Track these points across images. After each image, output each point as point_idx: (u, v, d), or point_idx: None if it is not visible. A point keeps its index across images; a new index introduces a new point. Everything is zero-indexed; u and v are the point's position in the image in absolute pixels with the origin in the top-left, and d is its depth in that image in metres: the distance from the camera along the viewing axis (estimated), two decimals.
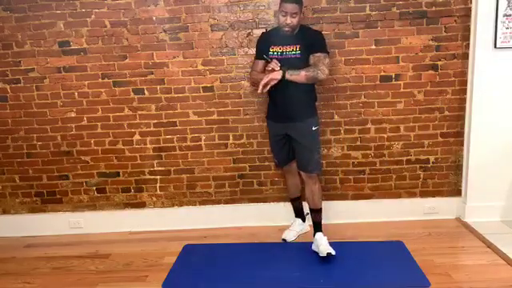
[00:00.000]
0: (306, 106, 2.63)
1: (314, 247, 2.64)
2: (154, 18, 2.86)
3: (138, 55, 2.91)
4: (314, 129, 2.60)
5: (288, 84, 2.43)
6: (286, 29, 2.45)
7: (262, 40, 2.65)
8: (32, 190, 3.15)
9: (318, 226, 2.69)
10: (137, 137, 3.05)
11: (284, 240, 2.85)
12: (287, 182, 2.95)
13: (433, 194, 3.09)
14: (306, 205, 2.79)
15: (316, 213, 2.70)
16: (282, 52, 2.53)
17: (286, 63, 2.47)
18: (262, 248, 2.77)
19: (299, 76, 2.41)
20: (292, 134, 2.63)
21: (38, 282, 2.53)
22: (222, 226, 3.10)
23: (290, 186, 2.93)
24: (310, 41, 2.49)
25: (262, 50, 2.60)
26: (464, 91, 2.90)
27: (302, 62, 2.46)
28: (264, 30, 2.76)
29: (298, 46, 2.49)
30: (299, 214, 2.99)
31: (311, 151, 2.61)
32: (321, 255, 2.53)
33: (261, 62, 2.64)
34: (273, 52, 2.54)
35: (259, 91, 2.39)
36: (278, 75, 2.39)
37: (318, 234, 2.65)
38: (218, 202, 3.16)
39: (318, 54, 2.46)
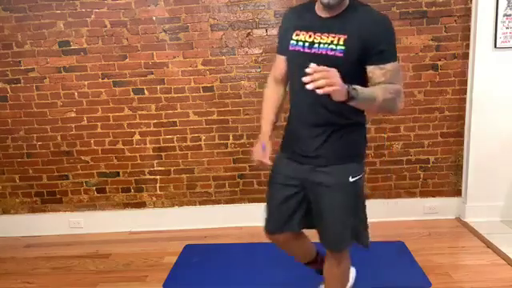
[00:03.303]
0: (348, 136, 1.61)
1: None
2: (154, 18, 2.86)
3: (137, 55, 2.91)
4: (351, 180, 1.61)
5: (326, 101, 1.37)
6: None
7: (286, 20, 1.65)
8: (32, 189, 3.15)
9: None
10: (137, 137, 3.04)
11: None
12: (288, 252, 1.95)
13: (433, 194, 3.09)
14: None
15: None
16: (313, 43, 1.51)
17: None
18: (262, 248, 2.77)
19: (373, 103, 1.40)
20: (310, 189, 1.65)
21: (38, 282, 2.53)
22: (221, 226, 3.10)
23: (295, 253, 1.98)
24: (372, 35, 1.45)
25: (282, 37, 1.65)
26: (464, 91, 2.90)
27: (344, 70, 1.34)
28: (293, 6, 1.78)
29: (342, 38, 1.45)
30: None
31: (345, 218, 1.65)
32: None
33: (282, 60, 1.66)
34: (296, 41, 1.55)
35: (310, 84, 1.25)
36: (339, 85, 1.27)
37: None
38: (218, 202, 3.15)
39: (391, 66, 1.46)
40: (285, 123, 1.78)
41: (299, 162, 1.66)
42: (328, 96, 1.29)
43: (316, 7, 1.56)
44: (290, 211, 1.72)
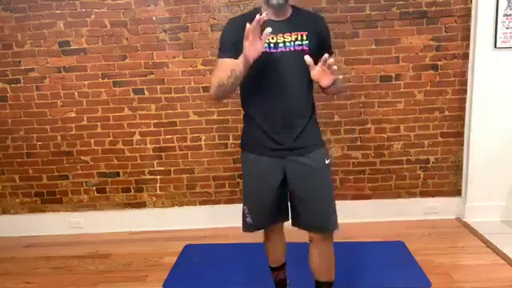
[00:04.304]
0: (314, 125, 1.79)
1: None
2: (154, 18, 2.86)
3: (137, 55, 2.91)
4: (326, 162, 1.76)
5: (292, 89, 1.66)
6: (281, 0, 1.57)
7: (236, 28, 1.63)
8: (32, 190, 3.15)
9: None
10: (137, 137, 3.04)
11: None
12: (270, 248, 2.06)
13: (433, 194, 3.09)
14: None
15: (328, 287, 1.89)
16: (277, 43, 1.62)
17: (288, 63, 1.62)
18: (262, 248, 2.76)
19: (339, 87, 1.75)
20: (296, 175, 1.72)
21: (38, 282, 2.53)
22: (221, 226, 3.10)
23: (277, 249, 2.06)
24: (321, 31, 1.69)
25: (238, 41, 1.55)
26: (464, 91, 2.90)
27: (314, 61, 1.55)
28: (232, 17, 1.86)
29: (304, 34, 1.62)
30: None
31: (330, 196, 1.76)
32: None
33: (229, 62, 1.62)
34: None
35: None
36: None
37: None
38: (218, 202, 3.15)
39: (333, 57, 1.62)
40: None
41: (278, 157, 1.73)
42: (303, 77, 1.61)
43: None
44: (276, 210, 1.84)
